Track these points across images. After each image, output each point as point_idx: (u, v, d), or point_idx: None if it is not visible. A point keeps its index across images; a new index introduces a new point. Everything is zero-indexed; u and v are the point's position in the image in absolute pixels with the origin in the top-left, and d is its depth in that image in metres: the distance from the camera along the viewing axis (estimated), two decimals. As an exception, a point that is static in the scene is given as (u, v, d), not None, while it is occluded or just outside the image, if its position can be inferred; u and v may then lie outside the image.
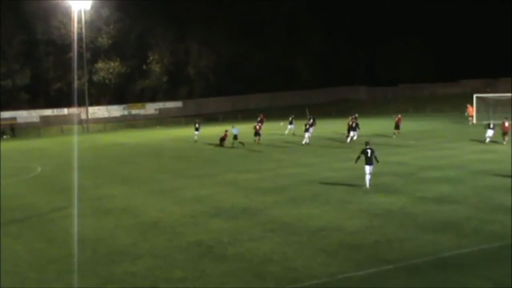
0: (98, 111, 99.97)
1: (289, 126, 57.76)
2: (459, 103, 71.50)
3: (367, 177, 25.97)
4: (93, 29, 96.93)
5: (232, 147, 47.03)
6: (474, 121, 61.57)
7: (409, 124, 57.17)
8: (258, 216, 21.37)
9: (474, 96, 66.00)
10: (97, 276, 15.39)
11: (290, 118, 58.57)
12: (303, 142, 47.06)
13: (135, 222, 21.36)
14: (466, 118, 62.69)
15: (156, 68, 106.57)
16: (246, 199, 24.64)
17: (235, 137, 48.27)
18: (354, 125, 48.19)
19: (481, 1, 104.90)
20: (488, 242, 16.61)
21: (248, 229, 19.38)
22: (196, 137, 54.97)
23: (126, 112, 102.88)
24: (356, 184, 26.69)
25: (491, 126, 44.10)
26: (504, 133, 43.46)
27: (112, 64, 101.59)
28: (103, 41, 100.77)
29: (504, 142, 42.57)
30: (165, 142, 57.23)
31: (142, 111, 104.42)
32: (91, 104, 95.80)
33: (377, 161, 26.65)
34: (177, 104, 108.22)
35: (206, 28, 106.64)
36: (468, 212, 20.26)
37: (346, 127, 49.09)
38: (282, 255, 16.35)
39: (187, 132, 61.36)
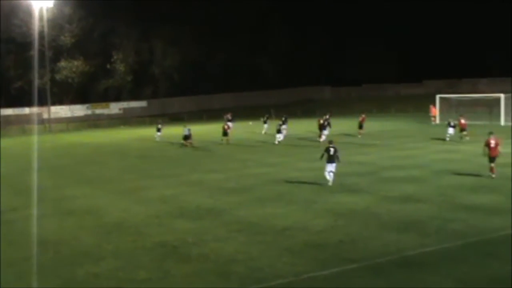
0: (61, 111, 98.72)
1: (265, 126, 57.70)
2: (423, 103, 72.50)
3: (329, 174, 26.60)
4: (55, 27, 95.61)
5: (185, 146, 47.18)
6: (437, 121, 62.51)
7: (373, 124, 57.74)
8: (223, 216, 21.30)
9: (437, 96, 66.99)
10: (59, 278, 15.13)
11: (265, 117, 58.68)
12: (276, 142, 47.36)
13: (99, 223, 21.09)
14: (429, 118, 63.60)
15: (120, 67, 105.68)
16: (211, 199, 24.54)
17: (185, 137, 48.49)
18: (326, 123, 49.02)
19: (444, 2, 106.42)
20: (450, 241, 16.81)
21: (213, 229, 19.29)
22: (157, 138, 54.89)
23: (89, 112, 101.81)
24: (321, 184, 26.79)
25: (452, 124, 45.90)
26: (462, 130, 45.32)
27: (75, 63, 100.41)
28: (66, 39, 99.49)
29: (467, 138, 44.38)
30: (129, 142, 56.79)
31: (106, 111, 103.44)
32: (54, 104, 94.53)
33: (339, 160, 26.99)
34: (142, 103, 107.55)
35: (171, 28, 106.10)
36: (431, 211, 20.49)
37: (315, 126, 49.65)
38: (247, 255, 16.31)
39: (152, 132, 60.94)
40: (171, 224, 20.34)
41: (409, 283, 13.71)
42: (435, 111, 64.08)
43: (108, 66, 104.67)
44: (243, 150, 44.98)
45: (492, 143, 27.46)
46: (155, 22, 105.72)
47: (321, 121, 49.16)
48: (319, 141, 46.15)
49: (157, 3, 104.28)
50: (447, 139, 45.00)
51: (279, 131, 48.28)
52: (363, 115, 52.58)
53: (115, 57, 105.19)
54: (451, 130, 45.60)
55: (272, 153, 41.71)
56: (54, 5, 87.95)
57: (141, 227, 20.20)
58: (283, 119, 53.33)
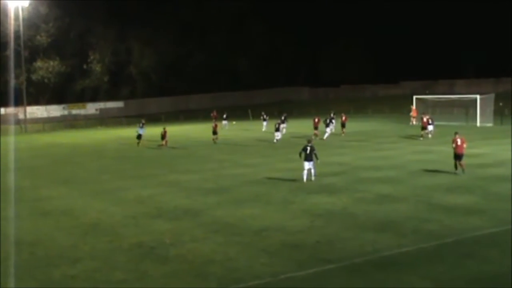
0: (37, 111, 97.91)
1: (264, 123, 59.58)
2: (400, 104, 73.02)
3: (305, 172, 27.38)
4: (31, 27, 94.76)
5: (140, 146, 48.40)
6: (415, 122, 63.06)
7: (350, 125, 57.94)
8: (201, 216, 21.25)
9: (414, 97, 67.54)
10: (34, 280, 14.97)
11: (264, 115, 60.32)
12: (274, 140, 48.32)
13: (75, 224, 20.91)
14: (409, 119, 64.10)
15: (97, 67, 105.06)
16: (189, 200, 24.48)
17: (139, 136, 49.65)
18: (329, 121, 51.08)
19: (421, 4, 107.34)
20: (426, 241, 16.93)
21: (190, 230, 19.23)
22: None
23: (66, 112, 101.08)
24: (298, 185, 26.86)
25: (430, 121, 48.47)
26: (423, 128, 48.15)
27: (52, 63, 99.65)
28: (42, 39, 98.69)
29: (430, 136, 47.47)
30: (106, 143, 56.44)
31: (82, 111, 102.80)
32: (30, 104, 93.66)
33: (317, 158, 27.62)
34: (119, 104, 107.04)
35: (148, 28, 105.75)
36: (407, 212, 20.63)
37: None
38: (225, 255, 16.28)
39: (129, 132, 60.64)
40: (148, 225, 20.24)
41: (386, 283, 13.78)
42: (416, 112, 64.65)
43: (84, 66, 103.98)
44: (221, 150, 44.92)
45: (458, 141, 29.01)
46: (132, 22, 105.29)
47: (318, 120, 51.44)
48: (323, 139, 48.36)
49: (134, 3, 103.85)
50: (429, 136, 47.48)
51: (277, 130, 49.11)
52: (344, 115, 53.26)
53: (91, 57, 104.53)
54: (430, 127, 47.97)
55: (250, 154, 41.72)
56: (30, 4, 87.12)
57: (118, 227, 20.07)
58: (283, 118, 55.03)
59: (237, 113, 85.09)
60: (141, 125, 50.96)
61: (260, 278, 14.32)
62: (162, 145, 48.06)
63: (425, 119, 48.39)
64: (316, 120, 51.80)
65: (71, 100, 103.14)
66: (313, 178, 27.52)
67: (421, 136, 47.36)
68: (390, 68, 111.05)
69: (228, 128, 57.49)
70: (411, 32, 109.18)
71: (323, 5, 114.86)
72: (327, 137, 49.25)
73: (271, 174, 30.61)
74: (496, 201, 21.92)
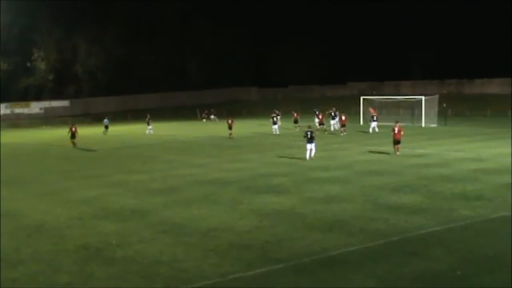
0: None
1: (274, 126, 56.06)
2: (347, 105, 73.85)
3: (307, 152, 34.91)
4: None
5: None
6: (361, 122, 63.93)
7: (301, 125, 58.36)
8: (148, 217, 21.01)
9: (361, 98, 68.41)
10: (-26, 284, 14.51)
11: (275, 117, 56.67)
12: (274, 133, 53.93)
13: (18, 226, 20.37)
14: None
15: (41, 65, 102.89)
16: (136, 200, 24.19)
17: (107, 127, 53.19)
18: (334, 114, 56.24)
19: (367, 5, 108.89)
20: (373, 240, 17.13)
21: (137, 231, 19.00)
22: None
23: (8, 111, 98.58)
24: (247, 185, 26.87)
25: (375, 118, 53.55)
26: (342, 125, 53.10)
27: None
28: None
29: (345, 133, 51.77)
30: (51, 142, 55.33)
31: (26, 110, 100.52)
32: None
33: (315, 139, 35.27)
34: (64, 103, 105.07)
35: (95, 26, 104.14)
36: (355, 211, 20.84)
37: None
38: (172, 256, 16.13)
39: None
40: (94, 226, 19.89)
41: (332, 282, 13.89)
42: (375, 111, 65.51)
43: (28, 64, 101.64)
44: (169, 151, 44.59)
45: (396, 129, 36.32)
46: (78, 20, 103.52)
47: (322, 115, 56.73)
48: (330, 130, 54.17)
49: (81, 1, 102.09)
50: (371, 131, 52.01)
51: (275, 123, 54.47)
52: (344, 115, 54.43)
53: (36, 55, 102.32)
54: (374, 124, 52.86)
55: (199, 154, 41.56)
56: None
57: (63, 229, 19.66)
58: (277, 111, 57.29)
59: (185, 112, 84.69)
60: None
61: (208, 279, 14.24)
62: (74, 144, 48.02)
63: (343, 117, 53.29)
64: (321, 116, 56.23)
65: (14, 99, 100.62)
66: (313, 156, 34.75)
67: (340, 132, 52.22)
68: (338, 69, 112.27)
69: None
70: (358, 32, 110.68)
71: (271, 5, 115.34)
72: (334, 130, 54.72)
73: (219, 174, 30.54)
74: (440, 200, 22.37)
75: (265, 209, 21.57)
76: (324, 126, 56.10)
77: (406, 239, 17.23)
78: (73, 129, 49.47)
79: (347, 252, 16.07)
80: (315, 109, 62.48)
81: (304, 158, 34.72)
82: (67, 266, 15.64)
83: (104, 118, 67.44)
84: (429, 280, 13.86)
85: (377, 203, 22.20)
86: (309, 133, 35.10)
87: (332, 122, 57.46)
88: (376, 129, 52.46)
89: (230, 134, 52.90)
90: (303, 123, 53.59)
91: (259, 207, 21.96)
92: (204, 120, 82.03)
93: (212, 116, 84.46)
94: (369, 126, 54.14)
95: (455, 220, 19.20)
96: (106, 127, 64.86)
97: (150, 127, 60.62)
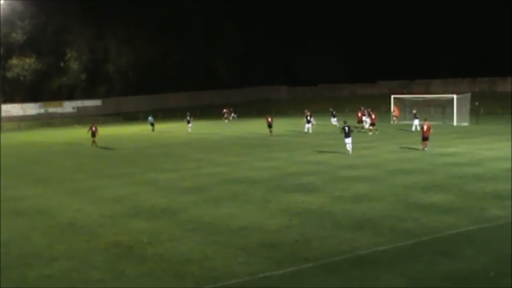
0: (12, 109, 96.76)
1: (307, 125, 55.59)
2: (377, 103, 73.42)
3: (347, 146, 36.99)
4: (6, 24, 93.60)
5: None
6: (397, 120, 63.64)
7: (328, 124, 58.22)
8: (178, 215, 21.16)
9: (392, 96, 67.93)
10: (8, 280, 14.76)
11: (308, 116, 55.90)
12: (305, 132, 54.09)
13: (51, 224, 20.69)
14: (391, 118, 64.58)
15: (74, 65, 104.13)
16: (166, 199, 24.36)
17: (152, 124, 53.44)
18: (367, 114, 55.47)
19: (398, 4, 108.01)
20: (403, 240, 17.02)
21: (168, 229, 19.14)
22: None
23: (42, 110, 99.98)
24: (276, 184, 26.89)
25: (417, 116, 53.26)
26: (372, 124, 52.59)
27: (27, 60, 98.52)
28: (18, 36, 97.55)
29: (370, 134, 51.11)
30: (82, 141, 55.92)
31: (59, 109, 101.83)
32: (5, 102, 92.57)
33: (352, 133, 37.68)
34: (96, 102, 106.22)
35: (125, 26, 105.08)
36: (385, 210, 20.73)
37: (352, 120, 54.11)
38: (202, 254, 16.22)
39: (106, 130, 60.24)
40: (125, 224, 20.10)
41: (363, 281, 13.83)
42: (398, 111, 65.20)
43: (61, 64, 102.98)
44: (199, 149, 44.82)
45: (425, 127, 38.25)
46: (109, 20, 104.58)
47: (362, 113, 55.88)
48: (363, 129, 54.21)
49: (111, 1, 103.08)
50: (413, 129, 51.86)
51: (308, 122, 54.54)
52: (373, 113, 54.18)
53: (68, 55, 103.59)
54: (416, 121, 52.56)
55: (227, 152, 41.68)
56: (5, 2, 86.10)
57: (94, 227, 19.91)
58: (309, 113, 56.30)
59: (216, 111, 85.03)
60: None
61: (237, 277, 14.29)
62: (94, 142, 48.58)
63: (359, 114, 54.08)
64: (360, 114, 56.14)
65: (48, 98, 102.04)
66: (350, 152, 36.54)
67: (356, 128, 52.04)
68: (368, 68, 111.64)
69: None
70: (388, 32, 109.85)
71: (301, 2, 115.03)
72: (367, 128, 54.35)
73: (249, 173, 30.59)
74: (472, 199, 22.12)
75: (295, 208, 21.56)
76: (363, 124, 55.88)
77: (436, 239, 17.08)
78: (93, 128, 50.22)
79: (377, 252, 15.99)
80: (331, 109, 65.75)
81: (346, 153, 36.82)
82: (99, 263, 15.84)
83: (148, 116, 69.21)
84: (460, 280, 13.73)
85: (408, 202, 22.05)
86: (347, 128, 37.25)
87: (367, 119, 56.66)
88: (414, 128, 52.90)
89: (271, 131, 53.55)
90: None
91: (289, 206, 21.97)
92: (226, 120, 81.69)
93: (232, 116, 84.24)
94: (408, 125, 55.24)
95: (487, 220, 18.98)
96: (152, 124, 66.04)
97: (190, 125, 60.95)
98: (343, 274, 14.35)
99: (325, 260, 15.32)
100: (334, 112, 64.20)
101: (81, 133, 67.50)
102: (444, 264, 14.78)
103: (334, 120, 62.49)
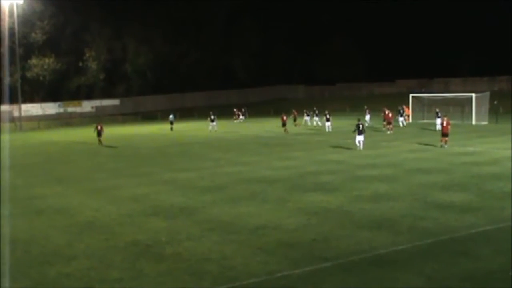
0: (32, 109, 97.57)
1: (327, 123, 57.46)
2: (396, 102, 73.00)
3: (359, 143, 38.21)
4: (26, 24, 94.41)
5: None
6: (410, 120, 63.25)
7: (345, 123, 58.04)
8: (196, 215, 21.21)
9: (410, 95, 67.61)
10: (28, 278, 14.91)
11: (327, 114, 58.14)
12: (327, 130, 55.21)
13: (70, 222, 20.85)
14: (404, 118, 64.22)
15: (92, 65, 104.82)
16: (184, 198, 24.43)
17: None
18: (402, 111, 57.52)
19: (415, 3, 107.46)
20: (421, 239, 16.94)
21: (186, 228, 19.20)
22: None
23: (61, 110, 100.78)
24: (294, 183, 26.87)
25: (439, 115, 52.10)
26: (389, 123, 52.59)
27: (47, 60, 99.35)
28: (37, 36, 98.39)
29: (388, 132, 51.35)
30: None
31: (78, 109, 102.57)
32: (24, 101, 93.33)
33: (365, 131, 39.15)
34: (114, 102, 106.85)
35: (143, 26, 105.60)
36: (403, 210, 20.64)
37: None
38: (220, 254, 16.26)
39: (124, 130, 60.53)
40: (144, 223, 20.20)
41: (381, 281, 13.79)
42: (408, 110, 64.85)
43: (80, 64, 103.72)
44: (218, 148, 44.90)
45: (444, 123, 39.35)
46: (127, 20, 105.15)
47: (390, 114, 54.46)
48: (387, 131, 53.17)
49: (129, 1, 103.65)
50: (438, 128, 50.02)
51: (328, 120, 55.91)
52: (390, 112, 54.28)
53: (87, 54, 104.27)
54: (438, 121, 50.72)
55: (245, 152, 41.71)
56: (25, 2, 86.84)
57: (113, 226, 20.02)
58: (327, 112, 57.87)
59: (232, 111, 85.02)
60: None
61: (256, 277, 14.30)
62: (100, 141, 49.00)
63: (388, 113, 53.20)
64: (388, 113, 54.73)
65: (67, 98, 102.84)
66: (362, 148, 37.84)
67: (389, 129, 52.07)
68: (386, 67, 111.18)
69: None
70: (406, 30, 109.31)
71: (318, 2, 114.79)
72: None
73: (267, 172, 30.60)
74: (491, 199, 21.97)
75: (313, 207, 21.54)
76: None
77: (455, 238, 16.98)
78: (99, 127, 50.79)
79: (396, 251, 15.93)
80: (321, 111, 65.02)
81: (355, 149, 38.08)
82: (118, 262, 15.93)
83: (169, 115, 69.90)
84: (479, 280, 13.65)
85: (426, 201, 21.93)
86: (360, 125, 38.48)
87: (400, 118, 58.93)
88: (404, 123, 55.81)
89: (285, 130, 54.74)
90: (351, 121, 53.27)
91: (307, 205, 21.95)
92: (235, 121, 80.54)
93: (241, 117, 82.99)
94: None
95: (506, 220, 18.82)
96: (171, 123, 66.89)
97: (214, 123, 61.10)
98: (362, 273, 14.32)
99: (343, 260, 15.29)
100: (368, 110, 65.20)
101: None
102: (463, 264, 14.69)
103: (367, 118, 62.76)
